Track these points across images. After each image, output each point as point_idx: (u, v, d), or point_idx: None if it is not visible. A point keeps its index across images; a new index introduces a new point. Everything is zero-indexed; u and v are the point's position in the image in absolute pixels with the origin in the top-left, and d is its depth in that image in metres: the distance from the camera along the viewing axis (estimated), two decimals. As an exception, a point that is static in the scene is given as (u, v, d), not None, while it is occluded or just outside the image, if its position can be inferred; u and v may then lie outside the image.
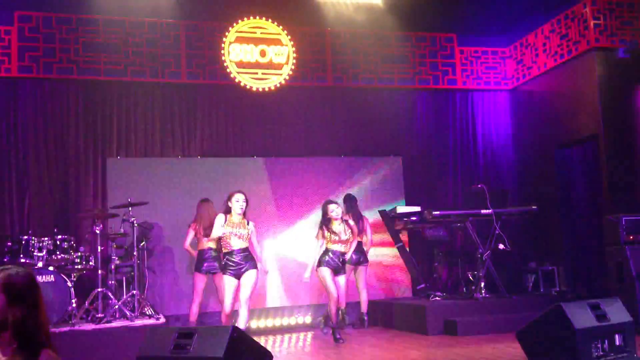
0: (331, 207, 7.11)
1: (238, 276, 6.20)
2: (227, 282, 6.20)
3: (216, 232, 6.27)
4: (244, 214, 6.34)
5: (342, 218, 7.16)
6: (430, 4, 8.96)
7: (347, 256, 7.25)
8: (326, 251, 7.07)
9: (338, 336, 6.93)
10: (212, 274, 7.25)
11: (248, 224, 6.35)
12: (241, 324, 6.07)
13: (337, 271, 7.07)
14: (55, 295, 6.39)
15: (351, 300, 8.21)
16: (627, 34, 8.31)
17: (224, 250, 6.28)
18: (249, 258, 6.26)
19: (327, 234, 7.06)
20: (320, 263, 7.04)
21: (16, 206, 7.98)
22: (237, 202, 6.26)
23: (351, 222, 7.35)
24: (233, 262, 6.20)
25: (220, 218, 6.28)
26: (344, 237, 7.07)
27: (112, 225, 7.76)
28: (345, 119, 9.45)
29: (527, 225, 9.24)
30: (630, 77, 8.22)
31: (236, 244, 6.22)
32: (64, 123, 8.34)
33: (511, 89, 10.12)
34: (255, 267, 6.26)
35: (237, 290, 6.20)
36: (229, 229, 6.21)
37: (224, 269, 6.26)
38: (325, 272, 7.00)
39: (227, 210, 6.30)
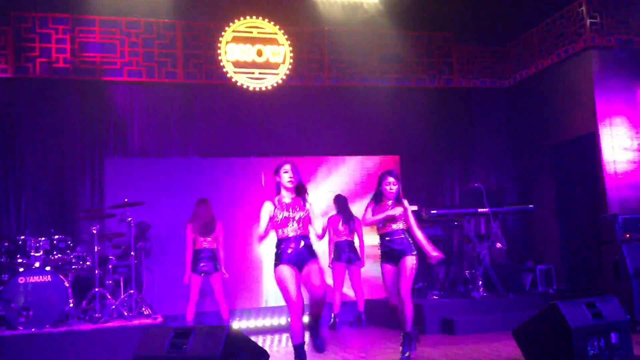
0: (389, 179, 5.65)
1: (298, 266, 4.90)
2: (286, 273, 4.85)
3: (262, 225, 4.94)
4: (298, 191, 5.05)
5: (396, 195, 5.63)
6: (427, 3, 8.97)
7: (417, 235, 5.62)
8: (383, 236, 5.62)
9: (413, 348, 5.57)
10: (207, 274, 7.24)
11: (305, 203, 5.03)
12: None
13: (398, 261, 5.54)
14: (52, 296, 6.38)
15: (348, 300, 8.23)
16: (623, 33, 8.33)
17: (277, 238, 5.01)
18: (310, 248, 4.98)
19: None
20: (381, 254, 5.61)
21: (13, 206, 7.98)
22: (286, 174, 5.00)
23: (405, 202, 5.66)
24: (290, 248, 4.92)
25: (265, 207, 4.98)
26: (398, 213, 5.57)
27: (109, 225, 7.77)
28: (342, 118, 9.45)
29: (524, 223, 9.25)
30: (626, 75, 8.24)
31: (291, 230, 4.93)
32: (61, 123, 8.34)
33: (508, 88, 10.13)
34: (317, 257, 4.99)
35: (298, 282, 4.89)
36: (281, 213, 4.94)
37: (277, 259, 4.95)
38: (388, 268, 5.54)
39: (277, 190, 5.07)
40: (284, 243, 4.94)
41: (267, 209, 4.95)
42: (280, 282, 4.87)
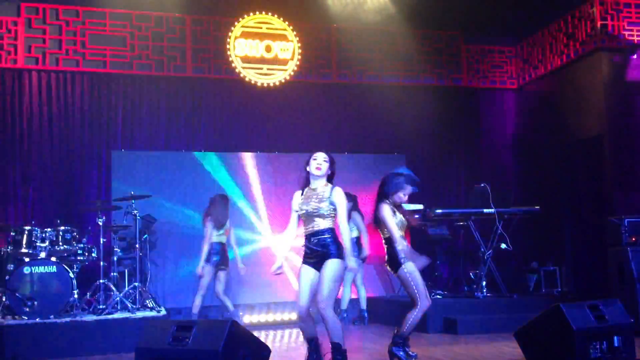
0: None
1: (317, 265, 4.56)
2: (300, 274, 4.62)
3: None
4: (329, 180, 4.74)
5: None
6: (437, 0, 8.94)
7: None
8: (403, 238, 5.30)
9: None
10: (217, 268, 7.25)
11: (331, 194, 4.61)
12: (333, 333, 4.53)
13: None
14: (57, 286, 6.42)
15: (350, 297, 8.22)
16: (634, 35, 8.27)
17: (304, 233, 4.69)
18: (327, 244, 4.55)
19: (398, 217, 5.30)
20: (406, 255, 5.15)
21: (20, 197, 8.02)
22: (314, 160, 4.64)
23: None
24: (307, 247, 4.62)
25: (295, 197, 4.73)
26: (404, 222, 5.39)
27: (115, 217, 7.80)
28: (349, 116, 9.45)
29: (529, 225, 9.21)
30: (636, 77, 8.17)
31: (313, 223, 4.58)
32: (69, 115, 8.38)
33: (516, 88, 10.09)
34: (338, 256, 4.53)
35: (311, 284, 4.57)
36: (300, 207, 4.62)
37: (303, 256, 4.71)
38: (415, 268, 5.17)
39: (306, 182, 4.72)
40: (305, 240, 4.64)
41: (295, 200, 4.69)
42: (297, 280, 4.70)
